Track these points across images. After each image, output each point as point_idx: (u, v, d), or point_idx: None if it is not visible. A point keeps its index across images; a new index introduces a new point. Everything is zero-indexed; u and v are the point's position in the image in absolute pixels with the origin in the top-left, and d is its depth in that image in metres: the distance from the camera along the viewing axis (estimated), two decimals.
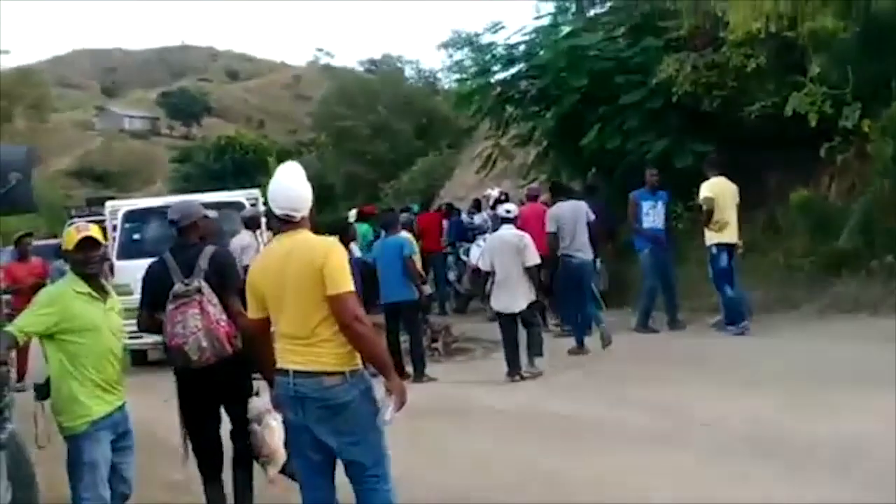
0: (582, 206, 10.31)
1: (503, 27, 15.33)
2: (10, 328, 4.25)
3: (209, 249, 5.03)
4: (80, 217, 16.40)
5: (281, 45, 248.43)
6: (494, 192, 13.88)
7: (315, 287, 3.79)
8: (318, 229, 3.91)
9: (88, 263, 4.45)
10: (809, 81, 10.63)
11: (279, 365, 3.95)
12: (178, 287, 4.87)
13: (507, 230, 9.07)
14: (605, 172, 13.80)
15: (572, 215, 10.05)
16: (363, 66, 62.37)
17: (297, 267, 3.84)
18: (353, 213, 15.52)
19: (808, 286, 10.46)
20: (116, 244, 11.27)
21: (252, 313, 4.08)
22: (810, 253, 10.65)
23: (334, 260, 3.84)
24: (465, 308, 14.20)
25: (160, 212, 10.22)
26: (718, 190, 10.02)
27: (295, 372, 3.87)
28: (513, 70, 15.05)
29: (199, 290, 4.85)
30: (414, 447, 6.37)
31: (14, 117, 43.93)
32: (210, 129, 76.59)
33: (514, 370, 8.67)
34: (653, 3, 13.75)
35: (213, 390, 4.95)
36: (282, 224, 4.03)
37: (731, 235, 9.99)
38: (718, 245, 9.95)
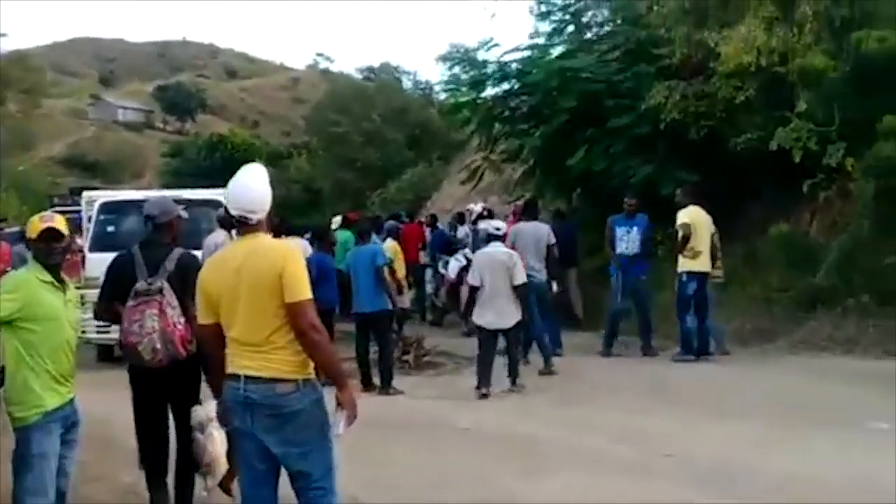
0: (543, 228, 10.51)
1: (496, 45, 15.34)
2: None
3: (177, 251, 5.03)
4: (62, 206, 16.40)
5: (281, 46, 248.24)
6: (477, 207, 13.87)
7: (272, 293, 3.71)
8: (279, 233, 3.87)
9: (51, 254, 4.37)
10: (796, 117, 10.66)
11: (230, 370, 3.85)
12: (140, 284, 4.88)
13: (497, 247, 9.07)
14: (589, 194, 13.81)
15: (533, 236, 10.20)
16: (362, 74, 62.50)
17: (254, 272, 3.75)
18: (337, 219, 15.44)
19: (784, 320, 10.47)
20: (90, 236, 11.13)
21: (203, 318, 3.94)
22: (788, 287, 10.67)
23: (293, 266, 3.75)
24: (441, 321, 14.11)
25: (137, 205, 10.07)
26: (694, 218, 10.00)
27: (247, 377, 3.78)
28: (505, 87, 15.07)
29: (160, 291, 4.84)
30: (368, 461, 6.32)
31: (7, 101, 43.67)
32: (204, 126, 76.44)
33: (482, 385, 8.68)
34: (649, 30, 13.79)
35: (163, 391, 4.95)
36: (238, 226, 3.95)
37: (702, 265, 9.96)
38: (689, 273, 9.94)
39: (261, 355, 3.76)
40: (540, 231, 10.34)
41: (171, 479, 5.05)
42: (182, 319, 4.83)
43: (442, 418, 7.73)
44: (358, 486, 5.70)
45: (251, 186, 3.91)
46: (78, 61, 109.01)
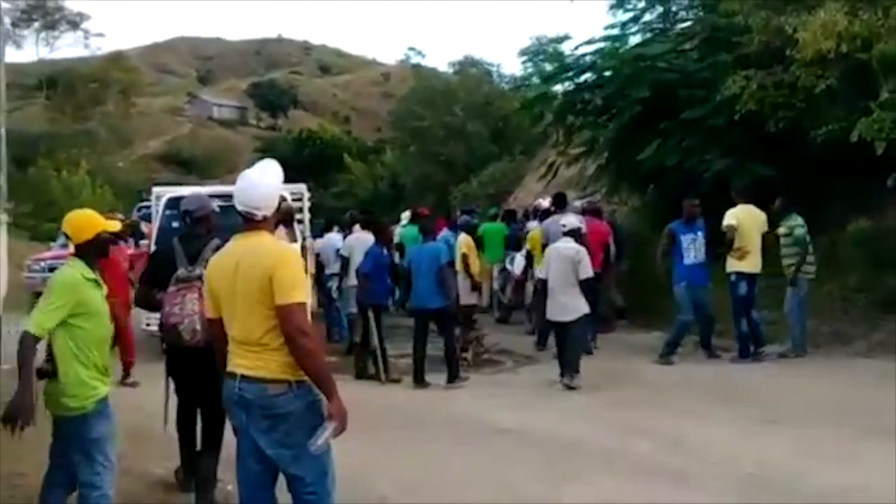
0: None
1: (570, 38, 15.01)
2: (29, 327, 4.22)
3: (215, 241, 5.26)
4: (147, 200, 16.84)
5: (374, 42, 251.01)
6: (545, 203, 13.53)
7: (264, 294, 3.64)
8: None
9: (103, 254, 4.68)
10: (878, 107, 10.04)
11: (228, 368, 3.82)
12: (181, 272, 5.30)
13: (567, 243, 9.17)
14: (662, 190, 13.36)
15: (557, 230, 9.98)
16: (453, 68, 62.39)
17: (248, 272, 3.70)
18: (406, 215, 15.41)
19: (861, 322, 9.92)
20: (156, 229, 11.33)
21: (210, 313, 3.96)
22: (866, 288, 10.13)
23: (285, 269, 3.67)
24: (507, 318, 13.86)
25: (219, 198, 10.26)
26: (743, 218, 9.84)
27: (242, 376, 3.73)
28: (579, 80, 14.72)
29: (199, 278, 5.07)
30: (402, 459, 6.24)
31: (107, 100, 45.29)
32: (296, 122, 77.87)
33: (566, 375, 8.77)
34: (727, 17, 13.24)
35: (197, 370, 5.15)
36: (244, 222, 3.86)
37: (751, 265, 9.80)
38: (738, 273, 9.80)
39: (254, 355, 3.71)
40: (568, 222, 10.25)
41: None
42: None
43: (485, 418, 7.53)
44: (387, 485, 5.65)
45: (257, 183, 3.84)
46: (177, 60, 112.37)
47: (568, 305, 8.92)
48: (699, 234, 10.11)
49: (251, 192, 3.81)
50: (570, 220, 9.72)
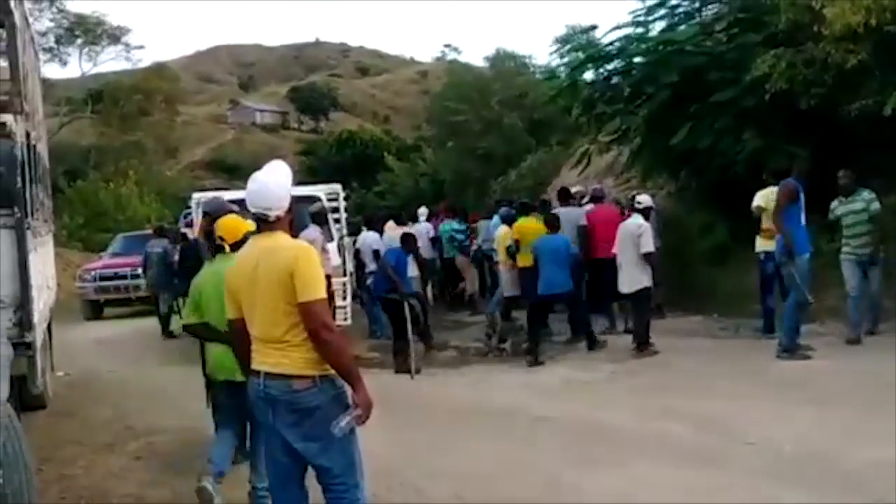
0: (576, 212, 11.73)
1: (597, 27, 14.95)
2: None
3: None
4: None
5: (411, 41, 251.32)
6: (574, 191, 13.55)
7: (285, 293, 3.73)
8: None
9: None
10: None
11: (252, 366, 3.92)
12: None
13: (635, 219, 10.03)
14: (696, 173, 13.30)
15: (567, 219, 11.16)
16: (488, 62, 62.26)
17: (268, 271, 3.78)
18: (423, 210, 15.70)
19: None
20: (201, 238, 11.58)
21: (230, 314, 4.05)
22: None
23: (305, 266, 3.75)
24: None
25: (236, 203, 10.52)
26: (771, 199, 9.64)
27: (266, 374, 3.83)
28: (608, 67, 14.68)
29: None
30: (437, 448, 6.36)
31: (152, 111, 46.00)
32: (337, 124, 78.51)
33: (642, 345, 9.60)
34: None
35: None
36: (257, 223, 3.99)
37: None
38: (766, 253, 9.84)
39: (278, 352, 3.80)
40: (572, 214, 11.50)
41: None
42: None
43: (521, 407, 7.64)
44: (421, 473, 5.78)
45: (268, 184, 3.92)
46: (219, 68, 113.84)
47: (630, 277, 9.76)
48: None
49: (261, 193, 3.89)
50: (644, 198, 10.47)
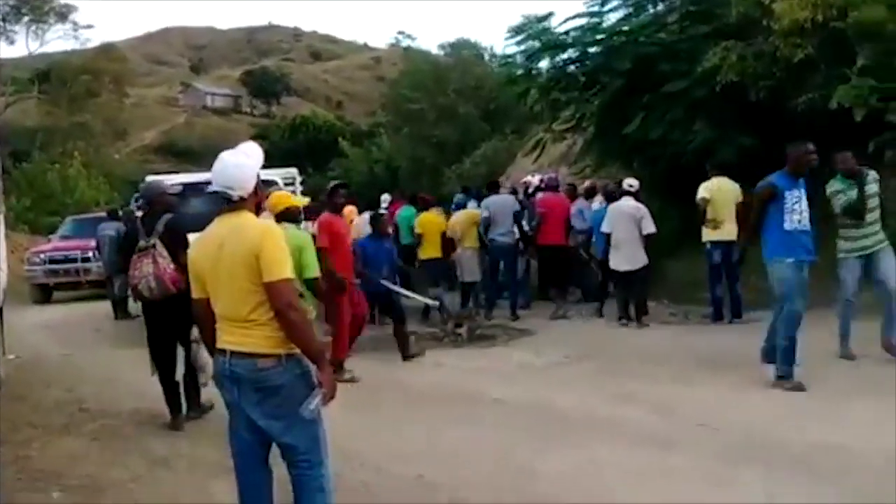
0: (509, 199, 12.48)
1: (553, 14, 15.05)
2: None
3: (165, 217, 6.77)
4: None
5: (364, 26, 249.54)
6: (534, 180, 13.75)
7: (250, 273, 3.76)
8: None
9: (292, 220, 7.26)
10: (856, 74, 10.22)
11: (218, 345, 3.95)
12: (141, 243, 6.72)
13: (627, 201, 10.89)
14: (648, 163, 13.53)
15: (501, 206, 12.06)
16: (443, 50, 62.26)
17: (233, 251, 3.81)
18: (385, 197, 15.82)
19: None
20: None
21: (194, 293, 4.06)
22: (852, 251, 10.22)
23: (270, 246, 3.78)
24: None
25: (195, 187, 10.50)
26: (715, 190, 10.39)
27: (231, 352, 3.87)
28: (563, 56, 14.83)
29: (153, 246, 6.64)
30: (397, 431, 6.45)
31: (100, 92, 45.20)
32: (289, 109, 77.94)
33: (624, 316, 10.80)
34: None
35: (163, 317, 6.72)
36: (223, 203, 4.02)
37: (725, 233, 10.34)
38: (712, 242, 10.42)
39: (243, 331, 3.83)
40: (507, 202, 12.28)
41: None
42: (172, 266, 6.57)
43: (479, 390, 7.76)
44: (382, 454, 5.86)
45: (232, 164, 3.95)
46: (169, 50, 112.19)
47: (633, 256, 10.68)
48: (803, 192, 7.53)
49: (225, 172, 3.91)
50: (632, 181, 11.29)
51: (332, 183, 9.35)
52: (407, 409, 7.24)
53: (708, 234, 10.43)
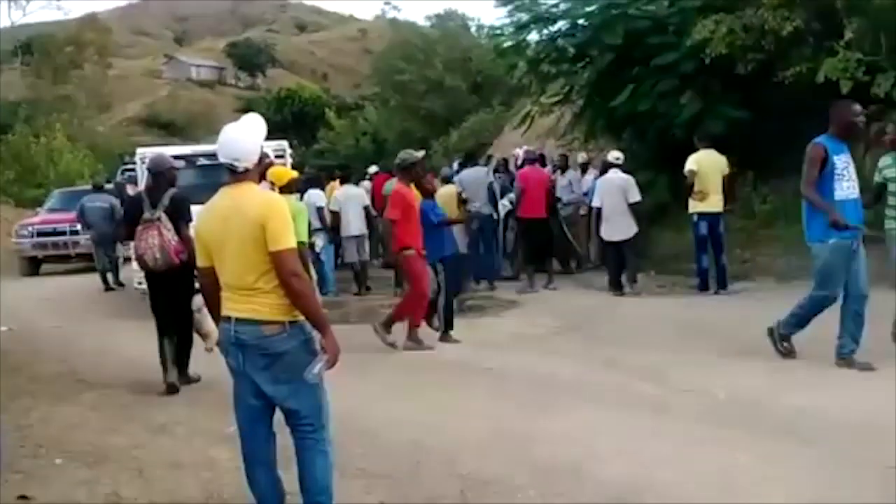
0: (482, 171, 12.80)
1: None
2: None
3: (171, 191, 7.09)
4: (131, 163, 17.12)
5: None
6: (521, 152, 13.84)
7: (256, 242, 3.83)
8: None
9: (294, 192, 7.78)
10: (844, 47, 10.32)
11: (223, 312, 4.01)
12: (146, 215, 6.98)
13: (615, 173, 11.18)
14: (636, 134, 13.63)
15: (474, 180, 12.32)
16: (429, 21, 61.92)
17: (239, 221, 3.88)
18: (373, 169, 15.99)
19: None
20: (143, 187, 11.54)
21: (200, 262, 4.14)
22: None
23: (276, 217, 3.86)
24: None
25: (182, 159, 10.55)
26: (702, 162, 10.51)
27: (236, 319, 3.94)
28: (553, 28, 14.87)
29: (158, 219, 6.93)
30: (393, 399, 6.55)
31: (83, 64, 44.78)
32: (275, 81, 77.45)
33: (616, 289, 11.07)
34: None
35: (166, 286, 7.07)
36: (229, 175, 4.09)
37: (711, 205, 10.50)
38: (699, 214, 10.54)
39: (248, 299, 3.91)
40: (480, 173, 12.66)
41: None
42: (176, 238, 6.89)
43: (470, 359, 7.90)
44: (378, 420, 5.96)
45: (236, 136, 4.01)
46: (153, 21, 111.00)
47: (622, 226, 10.97)
48: (850, 157, 6.85)
49: (231, 145, 3.97)
50: (617, 154, 11.53)
51: (407, 156, 8.95)
52: (400, 378, 7.36)
53: (695, 206, 10.57)
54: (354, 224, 12.82)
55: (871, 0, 10.02)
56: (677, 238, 11.96)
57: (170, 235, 6.88)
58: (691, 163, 10.54)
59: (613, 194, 11.06)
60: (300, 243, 6.80)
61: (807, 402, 5.83)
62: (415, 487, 4.66)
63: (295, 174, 8.08)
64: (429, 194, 9.06)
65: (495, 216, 12.71)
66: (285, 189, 7.44)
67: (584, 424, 5.73)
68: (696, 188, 10.45)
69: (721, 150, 10.82)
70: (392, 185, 14.97)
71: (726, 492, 4.35)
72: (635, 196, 11.04)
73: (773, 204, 11.85)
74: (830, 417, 5.46)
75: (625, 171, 11.36)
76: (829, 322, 7.84)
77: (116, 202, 14.59)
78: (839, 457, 4.77)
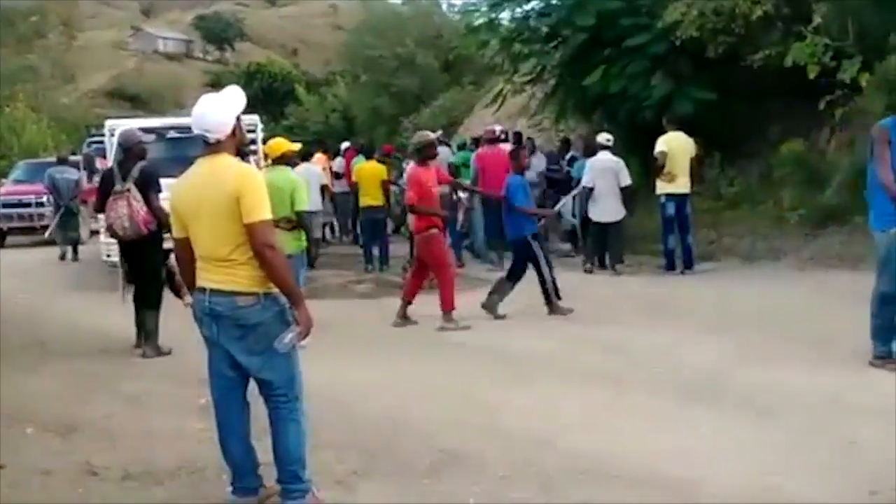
0: (445, 151, 12.81)
1: None
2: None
3: (140, 164, 7.42)
4: (98, 135, 16.96)
5: None
6: (497, 130, 13.82)
7: (230, 213, 3.85)
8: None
9: (290, 164, 7.75)
10: (811, 32, 10.47)
11: (198, 283, 4.03)
12: (117, 187, 7.32)
13: (606, 155, 11.19)
14: (607, 115, 13.73)
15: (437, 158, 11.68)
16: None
17: (213, 193, 3.89)
18: (345, 145, 16.05)
19: (795, 238, 10.49)
20: (113, 160, 11.43)
21: (176, 234, 4.14)
22: (800, 206, 10.65)
23: (251, 188, 3.87)
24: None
25: (153, 132, 10.47)
26: (672, 144, 10.62)
27: (211, 290, 3.96)
28: (526, 7, 14.90)
29: (128, 190, 7.25)
30: (365, 373, 6.61)
31: (47, 33, 43.89)
32: (244, 55, 76.44)
33: (589, 262, 11.36)
34: None
35: (136, 254, 7.49)
36: (204, 146, 4.10)
37: (679, 186, 10.63)
38: (667, 195, 10.67)
39: (223, 270, 3.93)
40: (443, 153, 12.43)
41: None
42: (144, 209, 7.21)
43: (439, 334, 7.99)
44: (348, 392, 6.02)
45: (209, 108, 4.01)
46: None
47: (613, 208, 11.03)
48: None
49: (202, 116, 3.98)
50: (608, 136, 11.49)
51: (421, 137, 8.88)
52: (372, 352, 7.42)
53: (663, 187, 10.70)
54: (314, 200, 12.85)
55: None
56: (645, 219, 12.09)
57: (138, 206, 7.21)
58: (661, 144, 10.65)
59: (605, 176, 11.08)
60: (303, 212, 7.42)
61: (768, 377, 5.98)
62: (386, 458, 4.72)
63: (293, 146, 8.01)
64: (521, 169, 9.22)
65: (455, 196, 12.58)
66: (279, 160, 7.62)
67: (554, 398, 5.83)
68: (665, 169, 10.57)
69: (689, 132, 10.96)
70: (359, 161, 15.15)
71: (688, 462, 4.47)
72: (626, 179, 11.07)
73: (739, 186, 12.04)
74: (792, 393, 5.61)
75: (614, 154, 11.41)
76: (794, 301, 8.06)
77: (82, 174, 14.55)
78: (798, 431, 4.91)
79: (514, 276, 8.88)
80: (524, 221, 8.88)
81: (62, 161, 15.91)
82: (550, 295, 8.70)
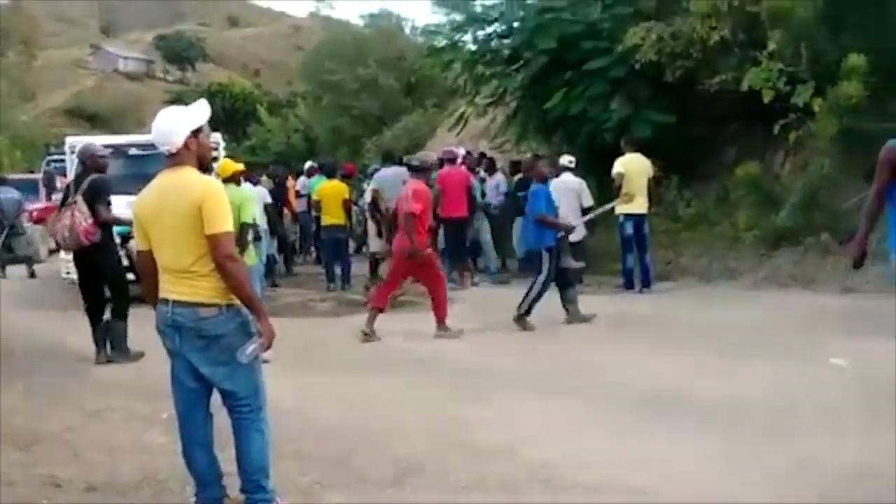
0: (401, 171, 11.88)
1: None
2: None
3: (92, 176, 7.58)
4: (58, 154, 16.80)
5: None
6: (461, 152, 13.96)
7: (192, 225, 3.87)
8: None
9: (237, 183, 8.05)
10: (767, 57, 10.75)
11: (161, 295, 4.04)
12: (69, 199, 7.50)
13: (569, 177, 11.09)
14: (568, 138, 13.93)
15: (392, 180, 11.63)
16: (363, 21, 61.72)
17: (175, 204, 3.92)
18: (309, 165, 16.11)
19: (749, 259, 10.73)
20: (73, 178, 11.38)
21: (139, 246, 4.16)
22: (754, 227, 10.88)
23: (213, 200, 3.90)
24: None
25: (114, 149, 10.46)
26: (629, 165, 10.85)
27: (174, 302, 3.98)
28: (488, 30, 15.10)
29: (75, 202, 7.39)
30: (328, 392, 6.63)
31: (5, 52, 43.48)
32: (205, 76, 76.29)
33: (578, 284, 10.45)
34: None
35: (86, 263, 7.66)
36: (166, 160, 4.12)
37: (637, 207, 10.80)
38: (625, 215, 10.86)
39: (185, 281, 3.95)
40: (399, 174, 11.76)
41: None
42: (90, 220, 7.33)
43: (401, 350, 8.09)
44: (314, 408, 6.05)
45: (163, 121, 4.06)
46: (78, 9, 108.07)
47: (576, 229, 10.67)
48: None
49: (156, 130, 4.05)
50: (570, 157, 11.51)
51: (425, 158, 9.65)
52: (334, 368, 7.46)
53: (622, 208, 10.88)
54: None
55: (793, 13, 10.44)
56: (603, 239, 12.26)
57: (81, 218, 7.34)
58: (619, 165, 10.86)
59: (568, 197, 10.88)
60: (247, 224, 7.44)
61: (725, 390, 6.11)
62: (349, 470, 4.76)
63: (240, 167, 8.43)
64: (543, 179, 9.34)
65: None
66: (229, 180, 7.79)
67: (513, 411, 5.93)
68: (623, 190, 10.75)
69: (647, 155, 11.17)
70: (318, 182, 15.16)
71: (646, 471, 4.56)
72: (588, 200, 11.11)
73: (696, 208, 12.26)
74: (748, 405, 5.74)
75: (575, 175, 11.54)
76: (748, 320, 8.24)
77: (41, 192, 14.48)
78: (753, 442, 5.03)
79: (562, 279, 9.13)
80: (545, 232, 9.05)
81: (2, 182, 15.74)
82: (526, 307, 8.89)
